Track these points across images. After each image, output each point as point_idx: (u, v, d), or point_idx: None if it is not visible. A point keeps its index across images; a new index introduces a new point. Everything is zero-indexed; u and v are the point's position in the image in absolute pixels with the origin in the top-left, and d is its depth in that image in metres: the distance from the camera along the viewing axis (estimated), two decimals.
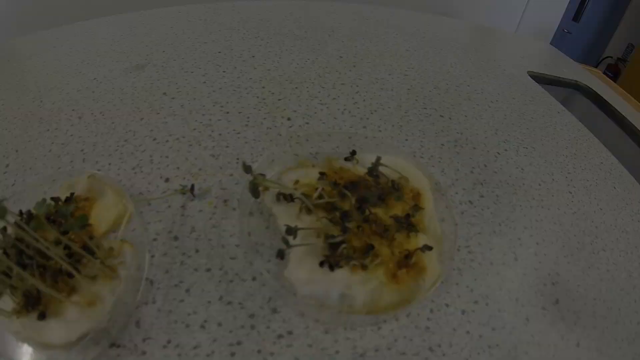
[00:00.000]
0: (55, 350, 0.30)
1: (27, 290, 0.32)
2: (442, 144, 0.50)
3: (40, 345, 0.31)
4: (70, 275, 0.31)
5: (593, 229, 0.45)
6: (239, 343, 0.29)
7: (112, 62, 0.68)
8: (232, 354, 0.29)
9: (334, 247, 0.31)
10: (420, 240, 0.35)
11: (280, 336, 0.29)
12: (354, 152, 0.41)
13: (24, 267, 0.31)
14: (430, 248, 0.34)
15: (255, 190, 0.34)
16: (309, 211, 0.34)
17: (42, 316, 0.31)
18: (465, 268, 0.37)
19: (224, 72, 0.60)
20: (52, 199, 0.36)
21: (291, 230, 0.30)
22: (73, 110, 0.56)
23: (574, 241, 0.43)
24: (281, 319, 0.30)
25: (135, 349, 0.30)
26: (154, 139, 0.48)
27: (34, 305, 0.31)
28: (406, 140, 0.49)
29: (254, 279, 0.32)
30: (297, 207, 0.34)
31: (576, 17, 1.94)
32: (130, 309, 0.32)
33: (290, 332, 0.29)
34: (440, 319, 0.33)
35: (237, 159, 0.43)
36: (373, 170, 0.38)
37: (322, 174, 0.38)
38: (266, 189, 0.35)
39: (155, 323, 0.32)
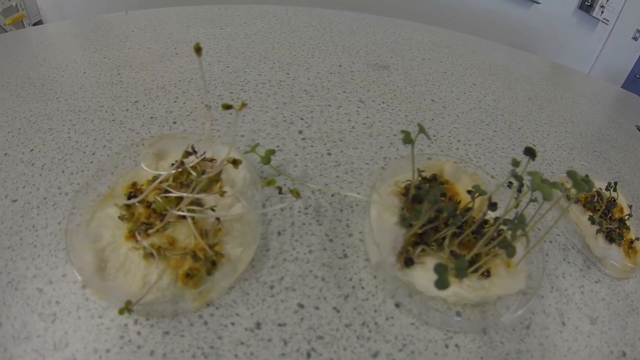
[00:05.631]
0: (491, 306, 0.44)
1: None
2: (613, 179, 0.76)
3: (480, 302, 0.44)
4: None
5: None
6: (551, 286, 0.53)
7: (341, 55, 0.82)
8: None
9: (610, 230, 0.56)
10: (632, 234, 0.62)
11: (597, 282, 0.53)
12: (587, 176, 0.66)
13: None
14: None
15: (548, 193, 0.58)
16: (586, 210, 0.59)
17: (487, 274, 0.43)
18: None
19: (464, 93, 0.82)
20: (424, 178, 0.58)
21: (593, 219, 0.55)
22: (328, 91, 0.71)
23: None
24: (593, 273, 0.55)
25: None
26: (450, 139, 0.69)
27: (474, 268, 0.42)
28: (596, 173, 0.75)
29: (572, 248, 0.57)
30: (579, 206, 0.60)
31: None
32: None
33: (598, 281, 0.54)
34: None
35: None
36: (607, 189, 0.64)
37: None
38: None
39: None
